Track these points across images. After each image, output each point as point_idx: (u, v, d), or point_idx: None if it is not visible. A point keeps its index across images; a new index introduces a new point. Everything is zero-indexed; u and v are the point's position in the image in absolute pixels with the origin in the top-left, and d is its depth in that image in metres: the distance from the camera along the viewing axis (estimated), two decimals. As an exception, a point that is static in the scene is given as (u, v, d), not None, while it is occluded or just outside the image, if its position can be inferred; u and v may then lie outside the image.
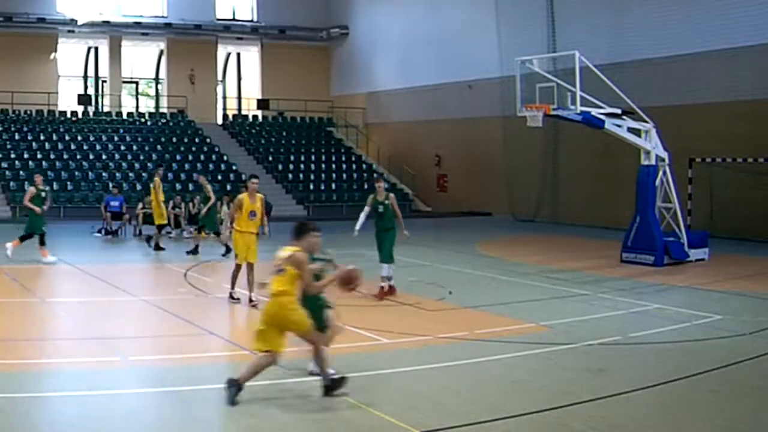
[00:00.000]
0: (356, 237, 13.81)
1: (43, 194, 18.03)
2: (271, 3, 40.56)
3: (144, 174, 32.75)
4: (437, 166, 36.15)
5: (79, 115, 36.84)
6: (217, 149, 36.41)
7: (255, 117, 41.13)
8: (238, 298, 13.00)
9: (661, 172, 18.54)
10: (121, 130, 36.12)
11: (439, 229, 27.65)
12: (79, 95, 38.02)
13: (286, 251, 7.75)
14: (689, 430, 7.36)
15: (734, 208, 23.39)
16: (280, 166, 35.65)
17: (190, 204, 24.53)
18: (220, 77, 41.84)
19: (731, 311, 12.61)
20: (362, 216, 13.99)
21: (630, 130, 18.50)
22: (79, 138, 34.66)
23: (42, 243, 17.41)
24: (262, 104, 40.91)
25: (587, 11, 28.30)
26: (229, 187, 31.52)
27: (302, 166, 36.58)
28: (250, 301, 12.73)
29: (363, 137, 40.00)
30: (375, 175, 37.15)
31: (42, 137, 34.13)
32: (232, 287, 13.11)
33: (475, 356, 9.67)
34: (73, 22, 36.37)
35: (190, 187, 31.77)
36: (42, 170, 31.64)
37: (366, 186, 36.12)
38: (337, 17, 41.28)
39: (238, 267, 13.02)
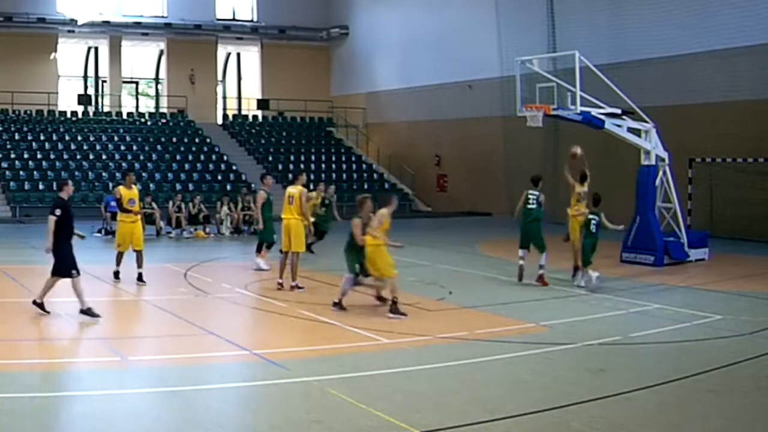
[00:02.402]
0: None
1: (271, 198, 16.07)
2: (271, 3, 40.55)
3: (144, 174, 32.76)
4: (437, 166, 36.13)
5: (79, 115, 36.84)
6: (217, 149, 36.40)
7: (255, 117, 41.12)
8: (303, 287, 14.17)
9: (661, 172, 18.53)
10: (121, 130, 36.11)
11: (439, 229, 27.59)
12: (79, 95, 38.04)
13: None
14: (689, 430, 7.35)
15: (734, 208, 23.37)
16: (280, 166, 35.64)
17: (191, 204, 24.71)
18: (220, 77, 41.84)
19: (731, 311, 12.60)
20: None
21: (630, 130, 18.49)
22: (79, 138, 34.65)
23: (259, 250, 16.49)
24: (262, 104, 40.90)
25: (587, 11, 28.27)
26: (229, 187, 31.52)
27: (302, 166, 36.50)
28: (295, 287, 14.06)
29: (363, 137, 39.99)
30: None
31: (42, 137, 34.12)
32: (293, 277, 14.19)
33: (475, 356, 9.66)
34: (73, 22, 36.37)
35: (191, 187, 31.77)
36: (42, 170, 31.71)
37: (366, 186, 36.14)
38: (337, 17, 41.26)
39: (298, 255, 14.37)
